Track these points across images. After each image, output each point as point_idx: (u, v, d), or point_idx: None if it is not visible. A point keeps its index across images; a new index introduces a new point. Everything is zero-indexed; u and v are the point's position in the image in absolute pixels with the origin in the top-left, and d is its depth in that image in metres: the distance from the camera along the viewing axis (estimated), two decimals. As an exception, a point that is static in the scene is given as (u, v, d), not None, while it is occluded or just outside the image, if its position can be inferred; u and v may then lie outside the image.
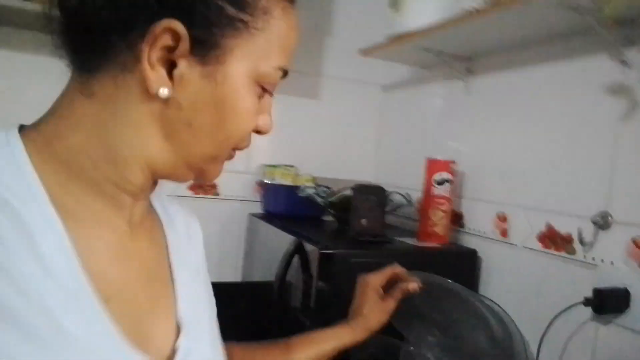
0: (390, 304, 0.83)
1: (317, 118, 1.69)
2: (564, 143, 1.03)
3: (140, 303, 0.48)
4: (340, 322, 0.84)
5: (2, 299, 0.37)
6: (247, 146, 0.52)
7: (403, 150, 1.63)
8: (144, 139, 0.46)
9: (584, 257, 0.95)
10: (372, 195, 1.25)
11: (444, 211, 1.21)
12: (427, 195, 1.22)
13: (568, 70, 1.04)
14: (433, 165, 1.22)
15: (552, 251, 1.02)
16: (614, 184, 0.92)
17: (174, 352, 0.49)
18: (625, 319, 0.86)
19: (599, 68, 0.96)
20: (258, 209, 1.59)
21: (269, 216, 1.51)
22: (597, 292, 0.87)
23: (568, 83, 1.03)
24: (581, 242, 0.95)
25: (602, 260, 0.91)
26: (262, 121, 0.52)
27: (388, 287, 0.86)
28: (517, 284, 1.10)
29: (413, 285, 0.84)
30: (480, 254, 1.20)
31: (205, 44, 0.45)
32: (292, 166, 1.62)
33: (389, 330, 0.89)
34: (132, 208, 0.50)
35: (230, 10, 0.45)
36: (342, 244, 1.16)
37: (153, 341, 0.48)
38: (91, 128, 0.45)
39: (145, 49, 0.43)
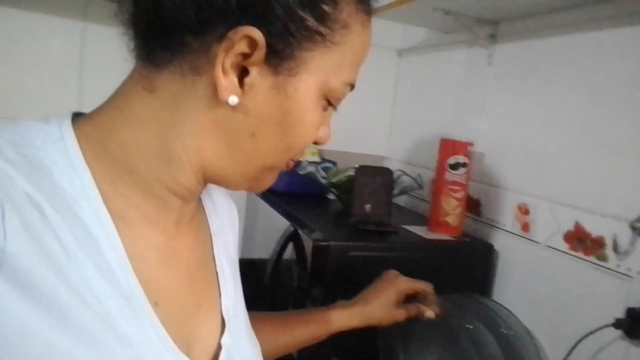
0: (402, 315, 0.81)
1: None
2: (602, 125, 0.86)
3: (186, 305, 0.48)
4: (342, 303, 0.81)
5: (59, 300, 0.37)
6: (302, 156, 0.52)
7: (419, 124, 1.47)
8: (202, 144, 0.45)
9: (618, 266, 0.81)
10: (377, 177, 1.11)
11: (458, 199, 1.07)
12: (440, 180, 1.08)
13: (609, 38, 0.86)
14: (448, 147, 1.07)
15: (580, 254, 0.88)
16: (660, 182, 0.76)
17: (219, 347, 0.50)
18: (662, 344, 0.73)
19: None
20: (259, 184, 1.48)
21: (269, 194, 1.39)
22: (631, 312, 0.73)
23: (609, 53, 0.86)
24: (615, 249, 0.80)
25: (639, 273, 0.77)
26: (321, 132, 0.50)
27: (408, 299, 0.83)
28: (538, 287, 0.97)
29: (430, 313, 0.81)
30: (497, 248, 1.07)
31: (281, 54, 0.43)
32: (296, 138, 1.49)
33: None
34: (180, 209, 0.49)
35: (312, 22, 0.43)
36: (341, 234, 1.04)
37: (199, 341, 0.48)
38: (148, 125, 0.44)
39: (220, 54, 0.41)
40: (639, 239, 0.78)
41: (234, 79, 0.42)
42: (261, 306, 1.07)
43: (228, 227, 0.61)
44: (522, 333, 0.93)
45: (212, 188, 0.60)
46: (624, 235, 0.79)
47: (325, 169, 1.30)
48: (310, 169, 1.26)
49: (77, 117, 0.45)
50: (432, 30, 1.38)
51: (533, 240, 0.99)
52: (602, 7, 0.88)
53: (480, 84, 1.19)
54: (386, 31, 1.52)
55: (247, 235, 1.52)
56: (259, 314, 0.77)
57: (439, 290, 0.92)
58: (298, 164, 1.31)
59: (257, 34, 0.41)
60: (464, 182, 1.07)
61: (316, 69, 0.45)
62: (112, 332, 0.39)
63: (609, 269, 0.82)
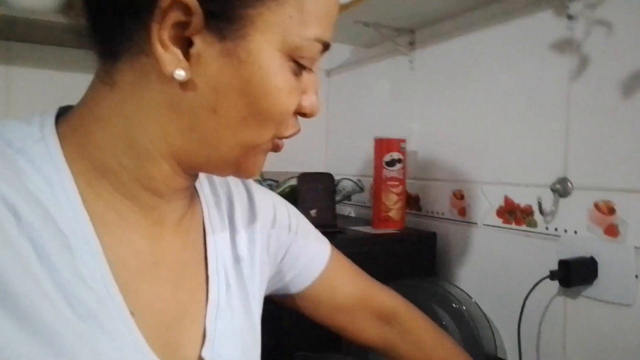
0: None
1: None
2: (516, 110, 0.96)
3: (167, 312, 0.45)
4: None
5: (30, 306, 0.35)
6: (293, 133, 0.46)
7: (353, 136, 1.54)
8: (166, 131, 0.42)
9: (546, 228, 0.88)
10: (319, 183, 1.15)
11: (397, 194, 1.13)
12: (378, 178, 1.14)
13: (513, 31, 0.97)
14: (382, 146, 1.13)
15: (514, 226, 0.95)
16: (570, 148, 0.85)
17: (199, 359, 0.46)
18: (593, 290, 0.80)
19: (544, 25, 0.90)
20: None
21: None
22: (563, 264, 0.80)
23: (514, 45, 0.96)
24: (541, 212, 0.88)
25: (565, 230, 0.85)
26: (305, 101, 0.45)
27: None
28: (481, 264, 1.03)
29: None
30: (439, 236, 1.12)
31: (222, 16, 0.39)
32: (237, 162, 1.51)
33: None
34: (162, 209, 0.46)
35: None
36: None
37: (180, 350, 0.45)
38: (115, 121, 0.42)
39: (154, 27, 0.38)
40: (560, 200, 0.85)
41: (176, 51, 0.39)
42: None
43: (241, 221, 0.55)
44: (472, 306, 0.97)
45: (232, 183, 0.57)
46: (547, 199, 0.87)
47: (269, 186, 1.33)
48: (254, 185, 1.28)
49: (63, 111, 0.44)
50: (355, 46, 1.47)
51: (471, 222, 1.05)
52: (503, 4, 0.99)
53: (406, 89, 1.27)
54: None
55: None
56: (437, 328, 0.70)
57: (389, 278, 0.96)
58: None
59: None
60: (401, 177, 1.13)
61: (268, 27, 0.40)
62: (83, 339, 0.37)
63: (539, 232, 0.89)
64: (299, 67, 0.43)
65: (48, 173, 0.39)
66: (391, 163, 1.12)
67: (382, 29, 1.21)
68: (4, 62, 1.28)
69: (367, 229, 1.14)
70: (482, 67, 1.04)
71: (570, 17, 0.84)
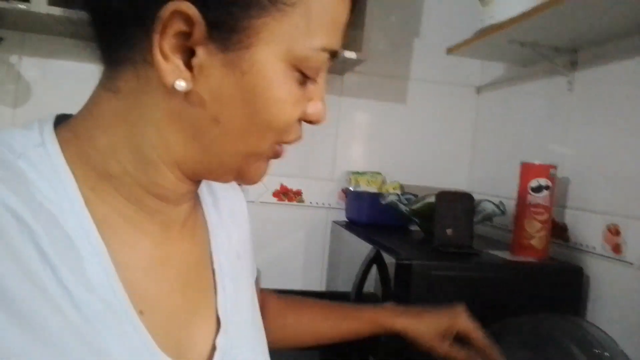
0: (443, 348, 0.76)
1: (406, 123, 1.61)
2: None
3: (177, 312, 0.46)
4: (391, 307, 0.81)
5: (33, 310, 0.35)
6: (295, 139, 0.45)
7: (499, 156, 1.49)
8: (168, 139, 0.42)
9: None
10: (458, 203, 1.14)
11: (541, 222, 1.07)
12: (522, 203, 1.09)
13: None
14: (529, 170, 1.09)
15: (677, 271, 0.85)
16: None
17: (213, 349, 0.47)
18: None
19: None
20: (343, 216, 1.55)
21: (352, 224, 1.46)
22: None
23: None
24: None
25: None
26: (311, 109, 0.44)
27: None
28: (633, 310, 0.93)
29: None
30: (586, 272, 1.04)
31: (224, 26, 0.38)
32: (379, 173, 1.56)
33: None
34: (167, 212, 0.46)
35: None
36: (423, 255, 1.07)
37: (193, 345, 0.46)
38: (118, 127, 0.42)
39: (155, 37, 0.38)
40: None
41: (177, 62, 0.39)
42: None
43: (228, 219, 0.57)
44: (617, 355, 0.89)
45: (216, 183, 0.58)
46: None
47: (407, 200, 1.35)
48: (392, 198, 1.32)
49: (60, 119, 0.44)
50: (509, 64, 1.42)
51: (626, 261, 0.96)
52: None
53: (561, 112, 1.20)
54: (463, 68, 1.58)
55: (331, 268, 1.57)
56: (306, 300, 0.80)
57: (525, 309, 0.92)
58: (379, 195, 1.37)
59: (185, 7, 0.37)
60: (547, 205, 1.07)
61: (273, 38, 0.40)
62: (87, 343, 0.37)
63: None
64: (304, 76, 0.42)
65: (50, 177, 0.39)
66: (537, 189, 1.07)
67: (540, 48, 1.15)
68: (18, 54, 1.40)
69: (504, 254, 1.10)
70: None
71: None
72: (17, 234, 0.36)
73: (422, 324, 0.77)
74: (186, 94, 0.40)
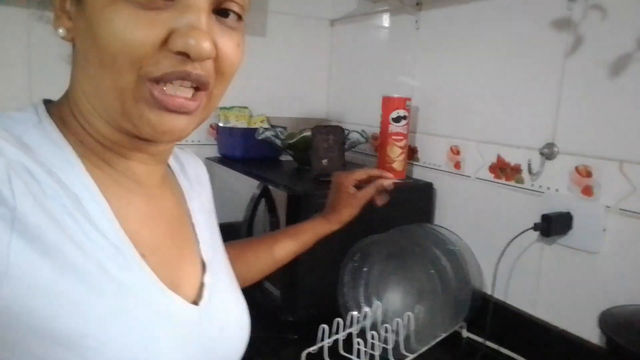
0: (362, 199, 0.94)
1: (266, 56, 1.65)
2: (512, 77, 1.08)
3: (170, 254, 0.54)
4: (316, 215, 0.95)
5: (62, 251, 0.41)
6: (166, 76, 0.44)
7: (355, 86, 1.64)
8: (82, 87, 0.48)
9: (532, 185, 1.03)
10: (331, 135, 1.27)
11: (401, 147, 1.26)
12: (384, 132, 1.26)
13: (515, 4, 1.07)
14: (389, 103, 1.25)
15: (503, 181, 1.10)
16: (559, 117, 0.99)
17: (201, 286, 0.56)
18: (567, 239, 0.96)
19: (546, 2, 1.00)
20: (214, 152, 1.58)
21: (226, 160, 1.50)
22: (545, 217, 0.96)
23: (515, 17, 1.07)
24: (530, 171, 1.03)
25: (549, 188, 1.00)
26: (176, 40, 0.42)
27: (362, 186, 0.96)
28: (472, 213, 1.18)
29: (388, 182, 0.96)
30: (435, 186, 1.27)
31: None
32: (245, 107, 1.60)
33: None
34: (139, 172, 0.52)
35: None
36: (306, 185, 1.19)
37: (185, 283, 0.54)
38: (81, 98, 0.48)
39: None
40: (546, 162, 1.00)
41: (65, 12, 0.47)
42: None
43: (196, 185, 0.66)
44: (463, 247, 1.14)
45: (177, 151, 0.66)
46: (535, 160, 1.02)
47: (280, 133, 1.43)
48: (268, 133, 1.39)
49: (46, 103, 0.50)
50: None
51: (465, 175, 1.20)
52: (508, -21, 1.08)
53: (410, 47, 1.37)
54: (318, 2, 1.65)
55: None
56: (252, 239, 0.92)
57: (391, 224, 1.11)
58: (253, 130, 1.43)
59: None
60: (405, 132, 1.25)
61: None
62: (108, 275, 0.44)
63: (525, 188, 1.05)
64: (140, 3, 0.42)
65: (52, 149, 0.45)
66: (397, 119, 1.24)
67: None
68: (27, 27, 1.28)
69: (372, 178, 1.28)
70: (483, 34, 1.14)
71: (570, -1, 0.95)
72: (38, 189, 0.42)
73: (343, 211, 0.93)
74: (73, 42, 0.48)
